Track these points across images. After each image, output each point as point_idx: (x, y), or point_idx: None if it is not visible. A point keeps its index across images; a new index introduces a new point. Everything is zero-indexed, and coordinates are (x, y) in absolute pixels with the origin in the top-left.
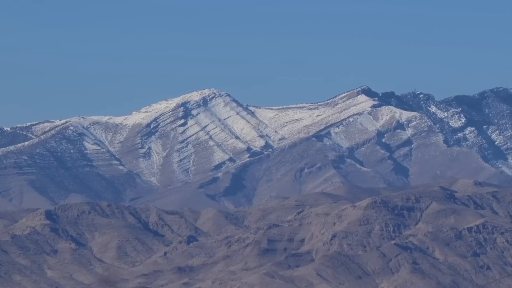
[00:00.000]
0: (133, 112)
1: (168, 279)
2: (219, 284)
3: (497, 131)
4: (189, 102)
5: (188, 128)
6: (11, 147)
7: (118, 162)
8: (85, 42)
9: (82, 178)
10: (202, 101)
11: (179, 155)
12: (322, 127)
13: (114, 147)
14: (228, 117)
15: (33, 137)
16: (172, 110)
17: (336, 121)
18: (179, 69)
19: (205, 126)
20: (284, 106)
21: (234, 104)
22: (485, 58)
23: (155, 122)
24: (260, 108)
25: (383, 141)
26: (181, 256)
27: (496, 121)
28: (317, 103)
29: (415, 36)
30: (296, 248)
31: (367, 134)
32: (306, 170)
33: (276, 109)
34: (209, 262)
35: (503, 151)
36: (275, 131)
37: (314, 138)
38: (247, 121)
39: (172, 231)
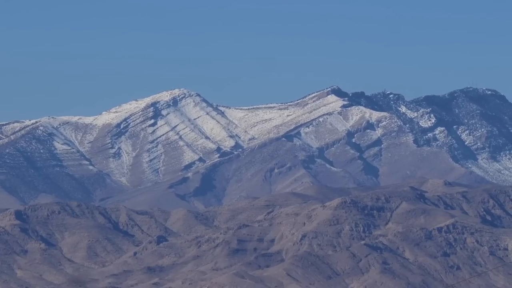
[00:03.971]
0: (103, 112)
1: (138, 279)
2: (189, 284)
3: (467, 131)
4: (159, 102)
5: (158, 128)
6: None
7: (88, 162)
8: (54, 42)
9: (52, 178)
10: (172, 101)
11: (149, 155)
12: (292, 127)
13: (84, 147)
14: (198, 117)
15: (3, 137)
16: (142, 110)
17: (306, 121)
18: (149, 69)
19: (175, 126)
20: (254, 106)
21: (204, 104)
22: (455, 58)
23: (125, 122)
24: (230, 108)
25: (353, 141)
26: (151, 256)
27: (466, 121)
28: (287, 103)
29: (385, 36)
30: (266, 248)
31: (337, 134)
32: (276, 170)
33: (246, 109)
34: (179, 262)
35: (473, 151)
36: (245, 131)
37: (284, 138)
38: (217, 121)
39: (142, 231)
